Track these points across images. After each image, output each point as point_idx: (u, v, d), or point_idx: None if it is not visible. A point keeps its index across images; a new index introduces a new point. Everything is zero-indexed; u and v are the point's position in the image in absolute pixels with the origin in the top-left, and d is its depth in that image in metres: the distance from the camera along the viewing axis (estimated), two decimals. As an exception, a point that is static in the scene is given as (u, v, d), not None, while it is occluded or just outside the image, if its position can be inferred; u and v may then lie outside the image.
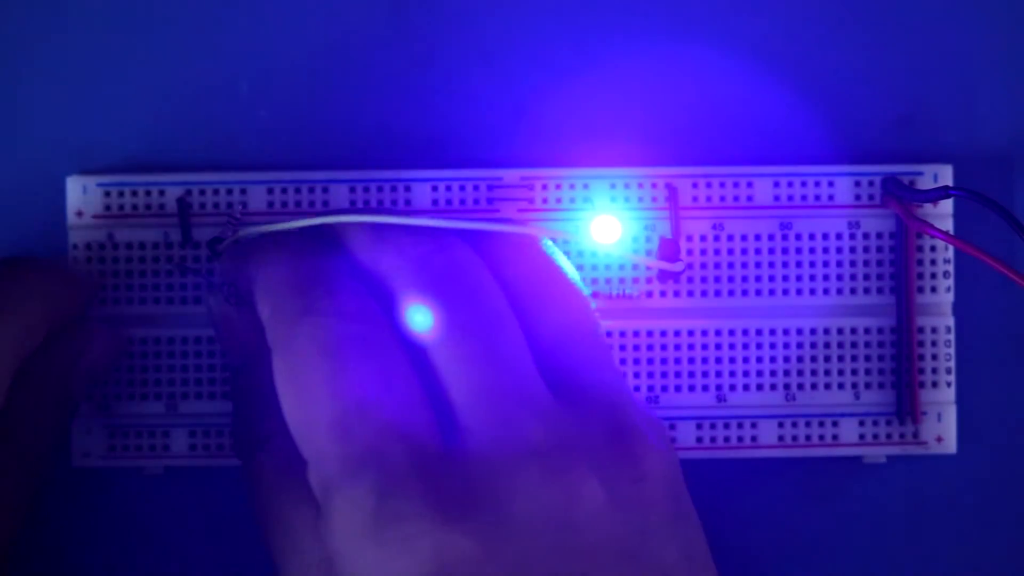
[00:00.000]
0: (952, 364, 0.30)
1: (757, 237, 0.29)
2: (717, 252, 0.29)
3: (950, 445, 0.30)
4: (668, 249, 0.29)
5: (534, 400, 0.23)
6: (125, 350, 0.28)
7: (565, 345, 0.24)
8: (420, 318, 0.23)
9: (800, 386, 0.30)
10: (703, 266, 0.29)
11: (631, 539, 0.22)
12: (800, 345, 0.29)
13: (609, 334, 0.29)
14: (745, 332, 0.29)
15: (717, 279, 0.29)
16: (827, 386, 0.30)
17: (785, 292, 0.29)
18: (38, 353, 0.26)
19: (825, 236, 0.29)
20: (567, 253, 0.29)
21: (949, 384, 0.30)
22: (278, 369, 0.23)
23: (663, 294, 0.29)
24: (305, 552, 0.24)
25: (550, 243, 0.27)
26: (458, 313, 0.24)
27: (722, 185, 0.29)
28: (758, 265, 0.29)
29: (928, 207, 0.29)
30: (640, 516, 0.23)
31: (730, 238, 0.29)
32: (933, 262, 0.30)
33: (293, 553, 0.24)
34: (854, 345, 0.30)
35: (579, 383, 0.24)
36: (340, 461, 0.22)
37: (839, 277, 0.30)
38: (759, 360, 0.29)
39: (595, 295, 0.29)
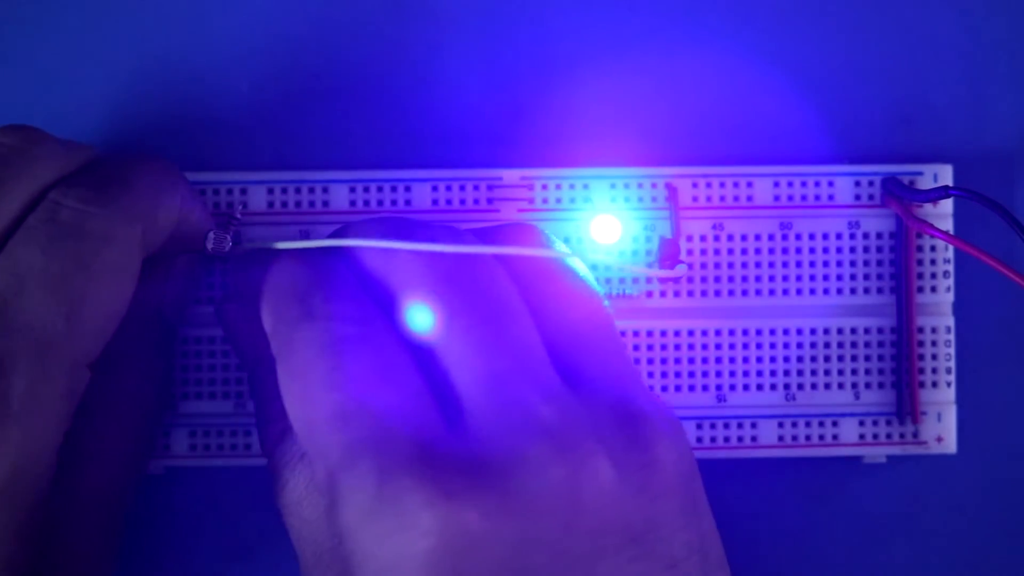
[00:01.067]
0: (952, 364, 0.30)
1: (757, 237, 0.29)
2: (717, 252, 0.29)
3: (950, 445, 0.30)
4: (668, 249, 0.29)
5: (543, 384, 0.23)
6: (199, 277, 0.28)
7: (576, 337, 0.24)
8: (427, 314, 0.23)
9: (800, 386, 0.30)
10: (703, 266, 0.29)
11: (639, 524, 0.22)
12: (800, 345, 0.30)
13: (609, 334, 0.29)
14: (745, 332, 0.29)
15: (717, 279, 0.29)
16: (827, 386, 0.30)
17: (785, 292, 0.29)
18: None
19: (825, 236, 0.29)
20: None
21: (949, 384, 0.30)
22: (281, 377, 0.24)
23: (663, 294, 0.29)
24: (318, 541, 0.24)
25: (561, 243, 0.27)
26: (468, 303, 0.24)
27: (722, 185, 0.29)
28: (758, 265, 0.29)
29: (928, 207, 0.29)
30: (649, 502, 0.22)
31: (730, 238, 0.29)
32: (933, 262, 0.30)
33: (307, 542, 0.24)
34: (854, 345, 0.30)
35: (590, 373, 0.24)
36: (341, 449, 0.22)
37: (839, 277, 0.30)
38: (759, 360, 0.29)
39: (595, 295, 0.29)
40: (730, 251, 0.29)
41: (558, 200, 0.29)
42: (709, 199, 0.29)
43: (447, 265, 0.24)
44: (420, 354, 0.24)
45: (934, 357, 0.30)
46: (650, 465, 0.23)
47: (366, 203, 0.29)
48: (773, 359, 0.30)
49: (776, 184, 0.29)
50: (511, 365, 0.23)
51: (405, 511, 0.21)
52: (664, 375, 0.29)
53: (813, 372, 0.30)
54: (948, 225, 0.29)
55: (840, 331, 0.30)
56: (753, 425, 0.30)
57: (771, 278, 0.29)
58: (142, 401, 0.27)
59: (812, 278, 0.30)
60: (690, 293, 0.29)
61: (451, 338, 0.23)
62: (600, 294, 0.26)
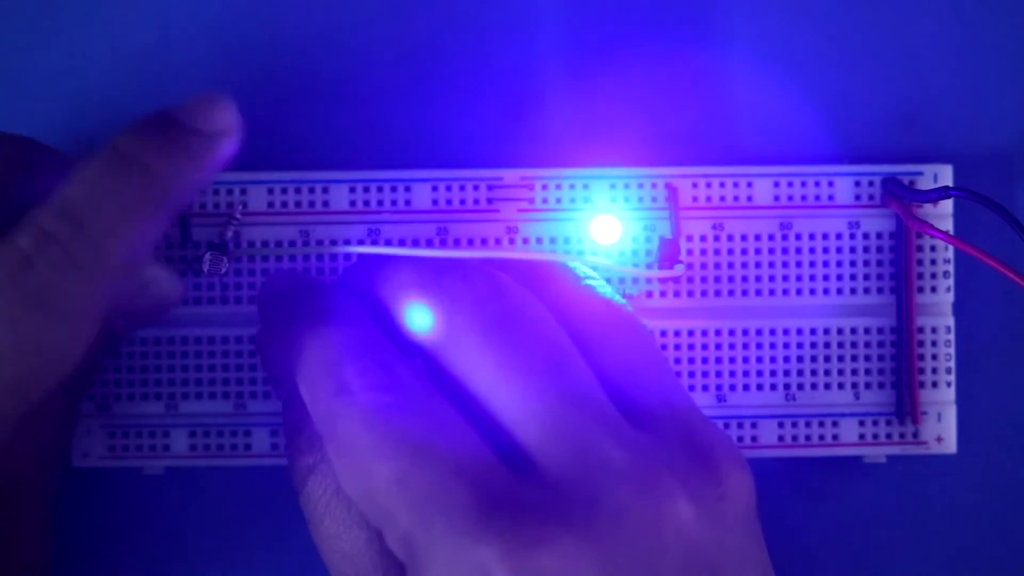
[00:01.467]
0: (952, 364, 0.30)
1: (757, 237, 0.29)
2: (717, 252, 0.29)
3: (950, 445, 0.30)
4: (668, 249, 0.29)
5: (610, 425, 0.23)
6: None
7: (631, 372, 0.24)
8: (479, 367, 0.23)
9: (800, 386, 0.30)
10: (703, 266, 0.29)
11: (716, 555, 0.22)
12: (800, 345, 0.29)
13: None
14: (745, 332, 0.29)
15: (717, 279, 0.29)
16: (827, 386, 0.30)
17: (785, 292, 0.29)
18: None
19: (825, 236, 0.29)
20: (567, 253, 0.29)
21: (949, 384, 0.30)
22: (330, 453, 0.24)
23: (663, 294, 0.29)
24: (366, 572, 0.24)
25: (588, 270, 0.27)
26: (520, 353, 0.23)
27: (722, 185, 0.29)
28: (758, 265, 0.29)
29: (928, 207, 0.29)
30: (723, 533, 0.22)
31: (730, 238, 0.29)
32: (933, 262, 0.30)
33: (353, 573, 0.24)
34: (854, 345, 0.30)
35: (651, 407, 0.24)
36: (408, 514, 0.22)
37: (839, 277, 0.30)
38: (759, 360, 0.29)
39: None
40: (730, 251, 0.29)
41: (558, 200, 0.29)
42: (709, 199, 0.29)
43: (494, 315, 0.24)
44: (468, 405, 0.23)
45: (934, 357, 0.30)
46: (724, 497, 0.23)
47: (366, 203, 0.29)
48: (773, 359, 0.29)
49: (776, 184, 0.29)
50: (575, 411, 0.23)
51: (488, 565, 0.21)
52: (664, 375, 0.29)
53: (813, 372, 0.30)
54: (948, 225, 0.29)
55: (840, 331, 0.30)
56: (753, 425, 0.30)
57: (771, 278, 0.29)
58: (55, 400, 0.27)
59: (812, 278, 0.29)
60: (690, 293, 0.29)
61: (509, 390, 0.23)
62: (639, 321, 0.26)
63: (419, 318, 0.24)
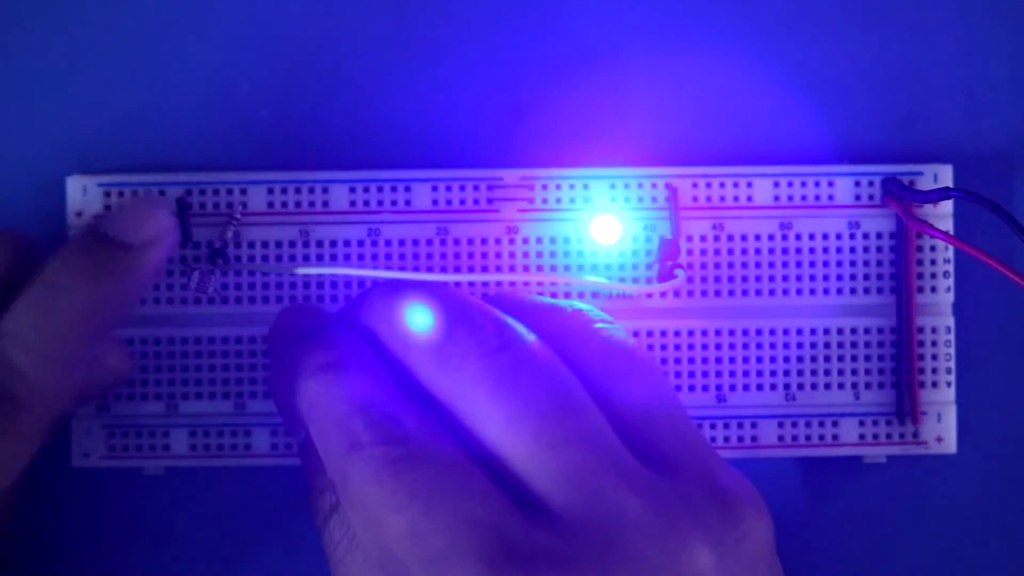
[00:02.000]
0: (952, 364, 0.30)
1: (757, 237, 0.29)
2: (717, 252, 0.29)
3: (950, 445, 0.30)
4: (668, 249, 0.29)
5: (625, 471, 0.23)
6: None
7: (645, 416, 0.24)
8: (490, 417, 0.23)
9: (800, 386, 0.30)
10: (703, 266, 0.29)
11: None
12: (800, 345, 0.29)
13: (609, 334, 0.29)
14: (745, 332, 0.29)
15: (717, 279, 0.29)
16: (827, 386, 0.30)
17: (785, 292, 0.29)
18: None
19: (825, 236, 0.29)
20: (568, 253, 0.29)
21: (949, 384, 0.30)
22: (345, 505, 0.24)
23: (663, 294, 0.29)
24: None
25: (601, 313, 0.26)
26: (533, 401, 0.23)
27: (722, 185, 0.29)
28: (758, 265, 0.29)
29: (928, 207, 0.29)
30: (743, 574, 0.22)
31: (730, 238, 0.29)
32: (933, 262, 0.30)
33: None
34: (854, 345, 0.30)
35: (666, 451, 0.23)
36: (422, 567, 0.22)
37: (839, 277, 0.30)
38: (759, 360, 0.29)
39: (595, 295, 0.29)
40: (730, 251, 0.29)
41: (558, 200, 0.29)
42: (709, 199, 0.29)
43: (504, 365, 0.23)
44: (480, 450, 0.23)
45: (934, 357, 0.30)
46: (743, 539, 0.23)
47: (366, 203, 0.29)
48: (773, 359, 0.29)
49: (776, 184, 0.29)
50: (588, 458, 0.23)
51: None
52: (664, 375, 0.29)
53: (813, 372, 0.30)
54: (948, 225, 0.29)
55: (840, 331, 0.30)
56: (753, 425, 0.30)
57: (771, 278, 0.29)
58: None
59: (812, 278, 0.29)
60: (690, 293, 0.29)
61: (521, 439, 0.23)
62: (654, 365, 0.26)
63: (430, 371, 0.24)
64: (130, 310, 0.28)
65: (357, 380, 0.24)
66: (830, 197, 0.29)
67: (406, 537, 0.22)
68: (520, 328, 0.24)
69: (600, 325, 0.26)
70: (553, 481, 0.22)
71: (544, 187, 0.29)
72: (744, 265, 0.29)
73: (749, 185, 0.29)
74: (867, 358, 0.30)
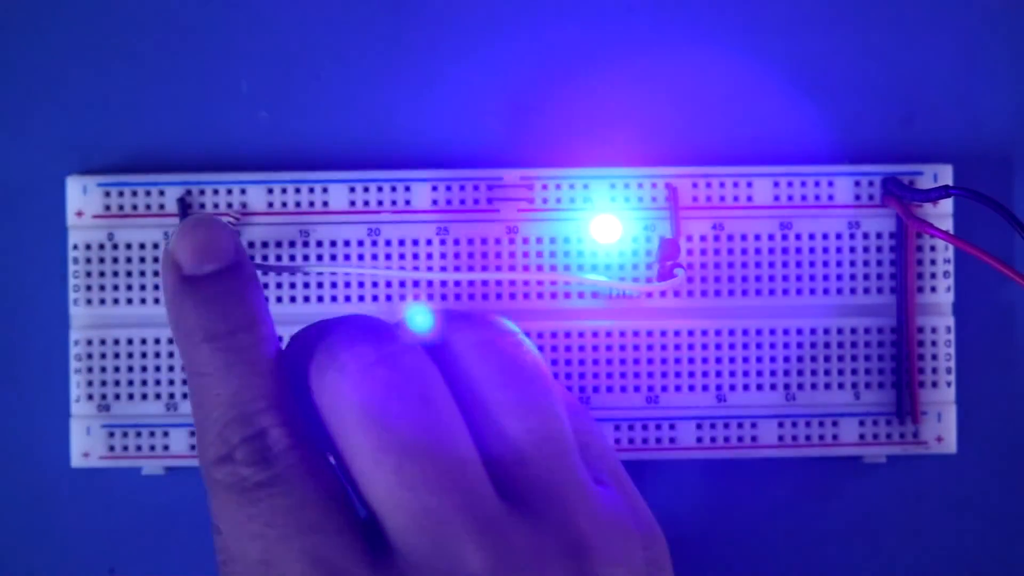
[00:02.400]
0: (952, 364, 0.30)
1: (757, 237, 0.29)
2: (717, 252, 0.29)
3: (950, 445, 0.30)
4: (668, 249, 0.29)
5: (479, 520, 0.21)
6: None
7: (523, 454, 0.22)
8: (356, 450, 0.22)
9: (800, 386, 0.30)
10: (703, 266, 0.29)
11: None
12: (800, 345, 0.30)
13: (609, 334, 0.29)
14: (745, 332, 0.29)
15: (717, 279, 0.29)
16: (827, 386, 0.30)
17: (785, 292, 0.29)
18: None
19: (825, 236, 0.29)
20: (568, 253, 0.29)
21: (949, 384, 0.30)
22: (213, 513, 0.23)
23: (663, 294, 0.29)
24: None
25: (512, 326, 0.24)
26: (399, 433, 0.22)
27: (722, 185, 0.29)
28: (758, 265, 0.29)
29: (928, 207, 0.29)
30: None
31: (730, 238, 0.29)
32: (933, 262, 0.30)
33: None
34: (854, 345, 0.30)
35: (535, 494, 0.22)
36: None
37: (839, 277, 0.30)
38: (759, 360, 0.29)
39: (595, 295, 0.29)
40: (730, 251, 0.29)
41: (558, 200, 0.29)
42: (709, 199, 0.29)
43: (376, 387, 0.22)
44: (346, 474, 0.22)
45: (934, 357, 0.30)
46: None
47: (366, 203, 0.29)
48: (773, 359, 0.30)
49: (776, 184, 0.29)
50: (444, 503, 0.21)
51: None
52: (664, 375, 0.29)
53: (813, 372, 0.30)
54: (948, 225, 0.29)
55: (840, 331, 0.30)
56: (753, 425, 0.30)
57: (771, 278, 0.29)
58: None
59: (812, 278, 0.30)
60: (690, 293, 0.29)
61: (382, 472, 0.22)
62: (554, 386, 0.24)
63: (311, 377, 0.23)
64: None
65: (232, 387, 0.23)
66: (830, 197, 0.29)
67: (256, 567, 0.22)
68: (404, 347, 0.23)
69: (510, 343, 0.24)
70: (404, 522, 0.21)
71: (544, 187, 0.29)
72: (744, 265, 0.29)
73: (749, 185, 0.29)
74: (867, 358, 0.30)
